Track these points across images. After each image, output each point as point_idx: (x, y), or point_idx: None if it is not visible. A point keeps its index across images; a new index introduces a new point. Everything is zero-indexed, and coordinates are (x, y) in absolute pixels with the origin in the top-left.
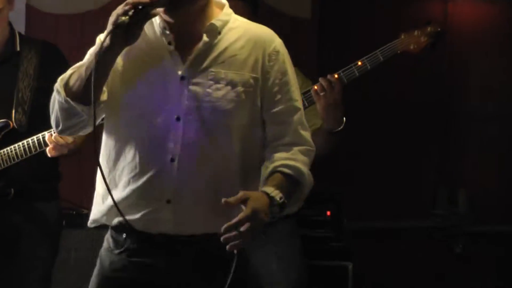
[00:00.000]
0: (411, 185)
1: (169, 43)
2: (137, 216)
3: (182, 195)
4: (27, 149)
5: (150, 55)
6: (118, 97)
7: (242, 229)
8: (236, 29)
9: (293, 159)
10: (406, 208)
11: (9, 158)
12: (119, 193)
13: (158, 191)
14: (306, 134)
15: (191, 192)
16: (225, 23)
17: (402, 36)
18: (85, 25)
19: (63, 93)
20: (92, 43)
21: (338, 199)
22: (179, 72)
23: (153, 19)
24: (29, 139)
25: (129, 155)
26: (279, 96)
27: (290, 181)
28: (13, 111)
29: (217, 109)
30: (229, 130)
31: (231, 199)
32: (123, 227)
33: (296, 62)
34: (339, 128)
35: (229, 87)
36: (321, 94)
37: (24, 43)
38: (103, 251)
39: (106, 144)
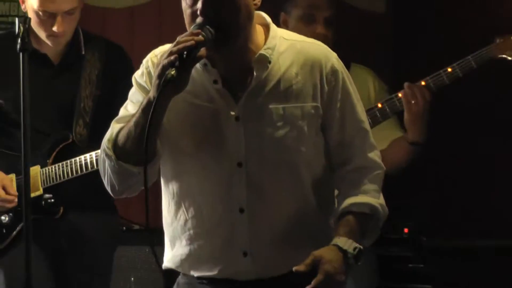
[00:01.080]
0: (498, 201)
1: (215, 82)
2: (214, 272)
3: (259, 245)
4: (83, 165)
5: (197, 95)
6: (172, 147)
7: None
8: (287, 53)
9: (363, 192)
10: (492, 226)
11: (64, 173)
12: (184, 249)
13: (232, 245)
14: (374, 155)
15: (268, 239)
16: (273, 49)
17: (497, 41)
18: (134, 20)
19: (113, 156)
20: (141, 39)
21: (416, 214)
22: (232, 113)
23: None
24: (87, 155)
25: (191, 207)
26: (343, 120)
27: (363, 219)
28: (74, 123)
29: (280, 148)
30: (296, 167)
31: (301, 266)
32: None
33: (369, 62)
34: (422, 141)
35: (289, 124)
36: (413, 102)
37: (87, 43)
38: None
39: (165, 193)
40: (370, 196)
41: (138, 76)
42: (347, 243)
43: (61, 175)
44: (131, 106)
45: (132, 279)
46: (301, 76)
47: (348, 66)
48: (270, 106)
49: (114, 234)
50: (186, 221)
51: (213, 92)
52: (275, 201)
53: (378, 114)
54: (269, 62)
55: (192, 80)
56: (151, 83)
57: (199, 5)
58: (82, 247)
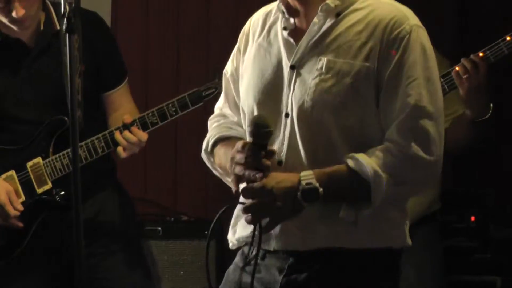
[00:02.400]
0: None
1: (284, 28)
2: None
3: None
4: (92, 150)
5: (266, 44)
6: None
7: (243, 206)
8: (361, 10)
9: (369, 153)
10: None
11: (70, 161)
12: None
13: None
14: (411, 142)
15: None
16: (350, 3)
17: None
18: (180, 3)
19: (210, 165)
20: (187, 26)
21: (484, 202)
22: (289, 61)
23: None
24: (94, 138)
25: None
26: (394, 91)
27: (350, 176)
28: (68, 105)
29: (321, 104)
30: (337, 130)
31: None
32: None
33: (431, 38)
34: (485, 117)
35: (336, 78)
36: (464, 77)
37: (59, 16)
38: (232, 266)
39: None
40: (371, 160)
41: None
42: (306, 176)
43: (68, 165)
44: (222, 100)
45: (182, 273)
46: (363, 34)
47: None
48: (323, 58)
49: (129, 210)
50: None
51: (281, 39)
52: (312, 161)
53: None
54: (338, 15)
55: (271, 27)
56: (246, 43)
57: None
58: (100, 232)
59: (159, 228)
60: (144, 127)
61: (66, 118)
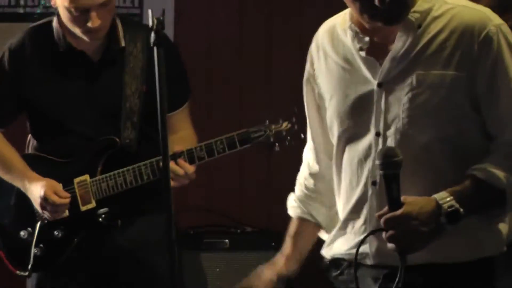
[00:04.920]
0: None
1: (361, 49)
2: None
3: None
4: (138, 176)
5: (346, 60)
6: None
7: (387, 235)
8: (441, 18)
9: (493, 162)
10: None
11: (117, 184)
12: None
13: (362, 221)
14: None
15: None
16: (426, 13)
17: None
18: (244, 8)
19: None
20: (254, 34)
21: None
22: (375, 79)
23: (341, 22)
24: (141, 164)
25: (341, 178)
26: (494, 94)
27: (482, 188)
28: (121, 126)
29: (419, 118)
30: (435, 141)
31: (383, 210)
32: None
33: None
34: None
35: (430, 91)
36: None
37: (127, 33)
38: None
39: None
40: (498, 167)
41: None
42: (445, 199)
43: (114, 187)
44: (309, 116)
45: None
46: (449, 43)
47: None
48: (412, 72)
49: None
50: (339, 192)
51: (359, 59)
52: (410, 179)
53: None
54: (419, 27)
55: (342, 45)
56: (319, 62)
57: (380, 14)
58: (141, 254)
59: (226, 240)
60: (191, 161)
61: (117, 139)
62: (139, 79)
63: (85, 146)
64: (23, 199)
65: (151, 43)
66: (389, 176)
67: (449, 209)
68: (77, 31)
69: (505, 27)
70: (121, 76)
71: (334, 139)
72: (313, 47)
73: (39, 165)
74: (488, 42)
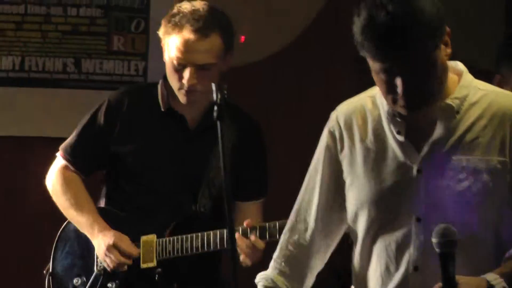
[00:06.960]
0: None
1: (398, 133)
2: None
3: None
4: (205, 244)
5: (376, 148)
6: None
7: None
8: (478, 104)
9: None
10: None
11: (182, 248)
12: None
13: None
14: None
15: None
16: (464, 99)
17: None
18: (250, 78)
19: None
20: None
21: None
22: (414, 165)
23: (370, 105)
24: (211, 233)
25: (373, 262)
26: None
27: None
28: (200, 194)
29: (461, 204)
30: (478, 227)
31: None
32: None
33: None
34: None
35: (473, 177)
36: None
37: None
38: None
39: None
40: None
41: (323, 138)
42: (496, 280)
43: (179, 250)
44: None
45: None
46: (489, 129)
47: None
48: (453, 158)
49: None
50: (370, 276)
51: (394, 144)
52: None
53: None
54: (457, 113)
55: (374, 128)
56: (342, 144)
57: (400, 100)
58: None
59: None
60: (261, 236)
61: (193, 207)
62: (228, 155)
63: (159, 206)
64: (84, 247)
65: (214, 117)
66: (446, 255)
67: None
68: (174, 86)
69: None
70: (210, 148)
71: (360, 223)
72: (334, 125)
73: (110, 217)
74: None
